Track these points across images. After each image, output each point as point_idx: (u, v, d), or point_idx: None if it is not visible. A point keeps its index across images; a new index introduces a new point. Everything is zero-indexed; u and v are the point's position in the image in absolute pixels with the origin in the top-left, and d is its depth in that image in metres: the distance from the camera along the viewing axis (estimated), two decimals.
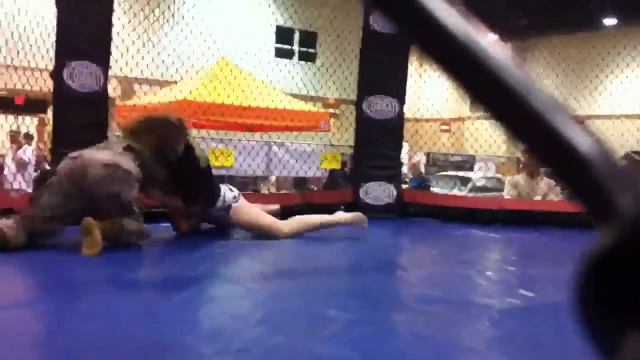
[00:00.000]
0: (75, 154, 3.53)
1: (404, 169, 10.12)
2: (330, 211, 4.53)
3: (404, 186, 6.62)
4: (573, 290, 0.43)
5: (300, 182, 10.37)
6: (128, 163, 3.52)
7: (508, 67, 0.46)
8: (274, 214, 4.34)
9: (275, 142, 10.02)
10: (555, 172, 0.46)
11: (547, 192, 5.87)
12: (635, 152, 5.77)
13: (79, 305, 2.38)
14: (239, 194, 4.20)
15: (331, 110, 13.75)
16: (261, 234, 4.05)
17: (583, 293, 0.43)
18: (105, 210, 3.39)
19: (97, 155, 3.50)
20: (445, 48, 0.47)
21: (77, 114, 4.26)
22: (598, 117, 16.85)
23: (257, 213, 4.15)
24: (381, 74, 5.37)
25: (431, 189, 11.40)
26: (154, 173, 3.68)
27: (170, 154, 3.77)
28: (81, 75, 4.26)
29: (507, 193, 6.25)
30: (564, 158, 0.45)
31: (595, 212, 0.44)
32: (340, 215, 4.20)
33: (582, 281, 0.43)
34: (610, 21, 16.73)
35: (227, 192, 4.13)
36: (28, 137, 10.66)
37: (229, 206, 4.06)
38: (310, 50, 20.03)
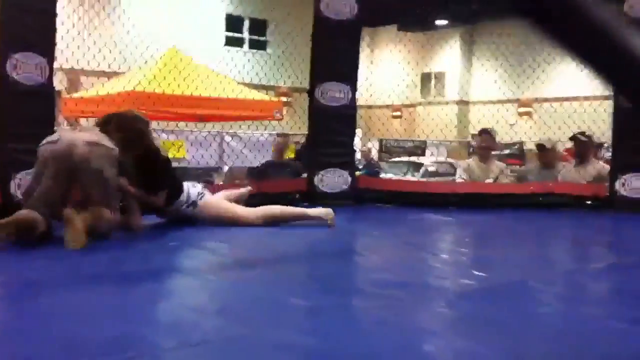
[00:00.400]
0: (53, 137, 3.54)
1: (357, 156, 10.17)
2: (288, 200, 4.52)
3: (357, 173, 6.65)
4: None
5: (253, 172, 10.28)
6: (108, 142, 3.57)
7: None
8: (243, 198, 4.34)
9: (227, 132, 9.92)
10: None
11: (498, 175, 5.98)
12: (581, 134, 5.92)
13: (38, 303, 2.32)
14: (202, 189, 4.17)
15: (284, 99, 13.71)
16: (231, 224, 4.03)
17: None
18: (88, 188, 3.40)
19: (77, 135, 3.54)
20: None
21: (23, 107, 4.14)
22: (546, 100, 17.23)
23: (225, 205, 4.13)
24: (333, 60, 5.36)
25: (383, 175, 11.46)
26: (123, 161, 3.69)
27: (137, 148, 3.82)
28: (26, 68, 4.13)
29: (459, 177, 6.34)
30: None
31: None
32: (311, 210, 4.20)
33: None
34: None
35: (191, 188, 4.09)
36: None
37: (194, 202, 4.03)
38: (261, 38, 19.89)
